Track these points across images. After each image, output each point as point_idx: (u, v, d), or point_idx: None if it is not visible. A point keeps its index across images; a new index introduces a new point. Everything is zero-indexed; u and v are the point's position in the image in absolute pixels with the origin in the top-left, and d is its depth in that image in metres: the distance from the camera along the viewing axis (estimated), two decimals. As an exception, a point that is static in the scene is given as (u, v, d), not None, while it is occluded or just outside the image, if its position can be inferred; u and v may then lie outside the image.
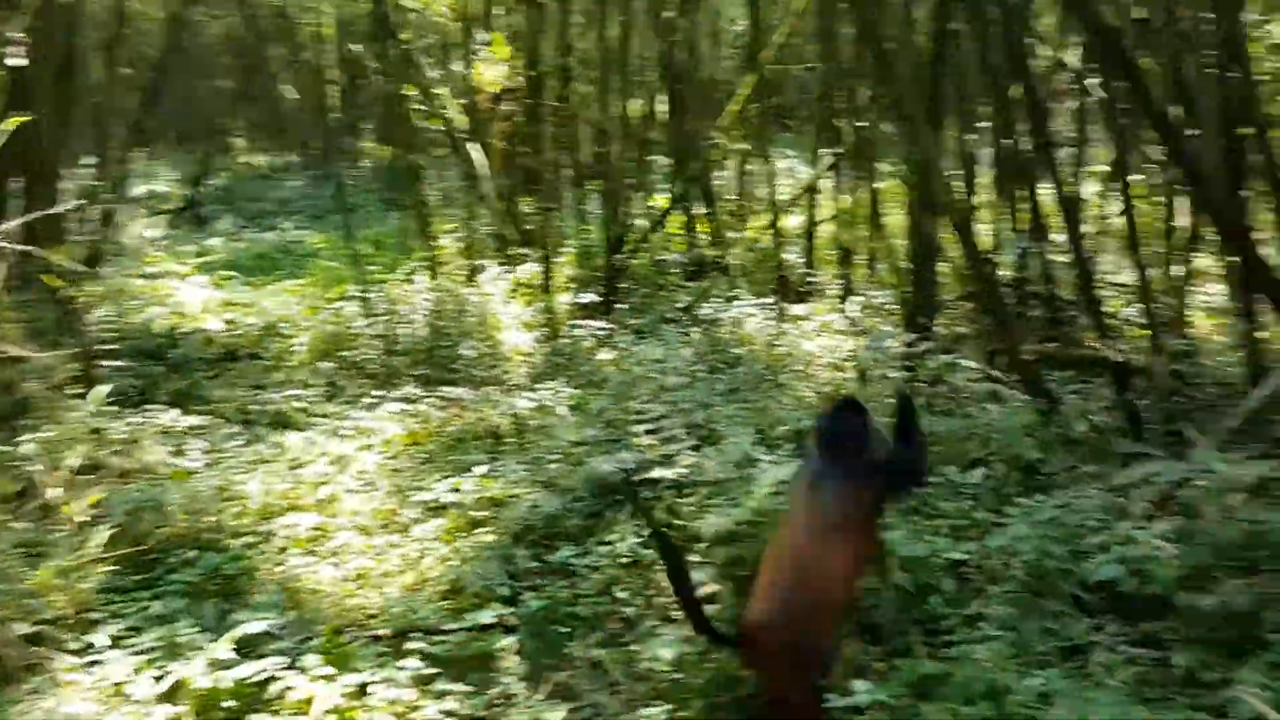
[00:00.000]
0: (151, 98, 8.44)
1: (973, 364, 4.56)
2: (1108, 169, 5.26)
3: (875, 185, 6.77)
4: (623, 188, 7.62)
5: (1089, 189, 5.87)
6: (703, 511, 3.61)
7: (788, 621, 2.63)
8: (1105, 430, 3.94)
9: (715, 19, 9.72)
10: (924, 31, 5.28)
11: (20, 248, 4.24)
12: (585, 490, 3.94)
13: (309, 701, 2.71)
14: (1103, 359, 4.00)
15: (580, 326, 6.31)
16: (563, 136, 8.07)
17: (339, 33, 13.98)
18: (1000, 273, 5.55)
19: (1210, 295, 5.23)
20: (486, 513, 3.92)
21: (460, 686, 2.87)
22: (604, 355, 5.94)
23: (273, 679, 2.77)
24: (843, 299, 6.72)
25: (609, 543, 3.55)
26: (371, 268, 7.07)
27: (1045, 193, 5.10)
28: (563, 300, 6.88)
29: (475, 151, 7.60)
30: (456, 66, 8.14)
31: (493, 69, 7.79)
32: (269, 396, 5.64)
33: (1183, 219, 4.79)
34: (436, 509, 4.01)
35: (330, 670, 2.80)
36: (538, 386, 5.37)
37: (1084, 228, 5.34)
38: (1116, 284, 5.36)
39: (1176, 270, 4.80)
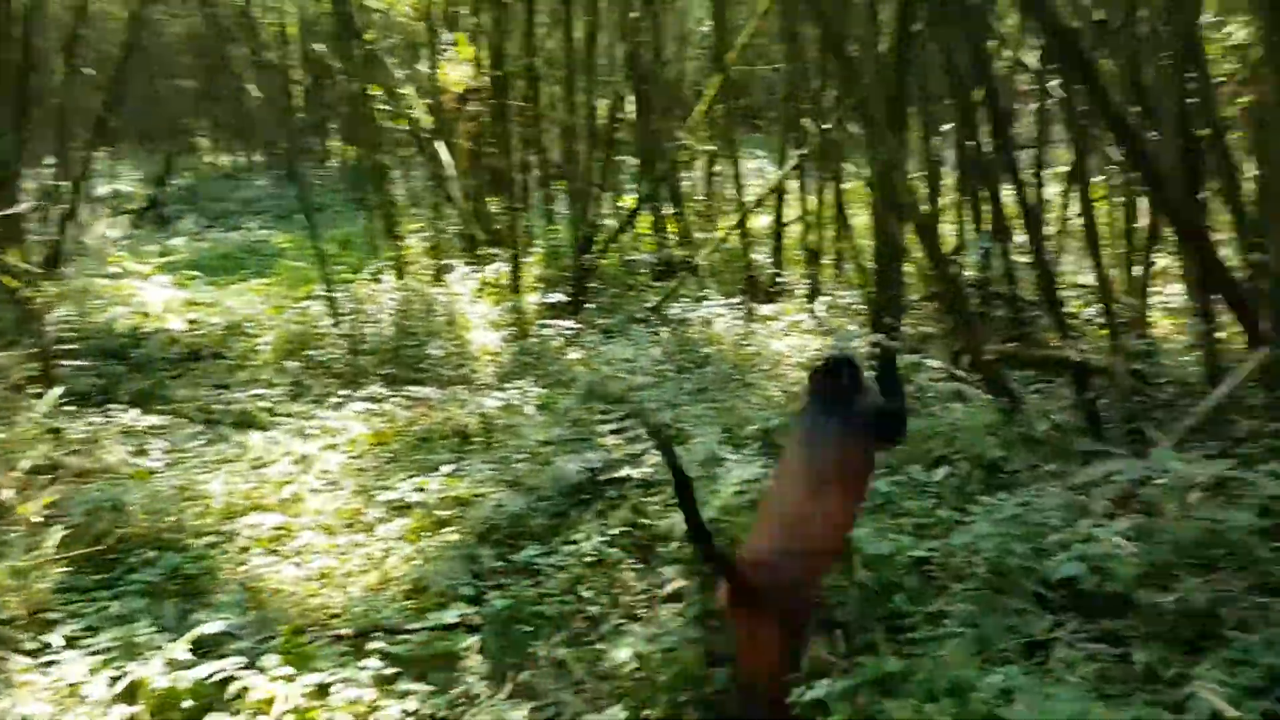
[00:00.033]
0: (113, 97, 8.33)
1: (937, 363, 4.60)
2: (1069, 170, 5.31)
3: (841, 186, 6.82)
4: (590, 188, 7.61)
5: (1052, 190, 5.94)
6: (668, 511, 3.61)
7: (778, 564, 2.66)
8: (1066, 429, 3.97)
9: (682, 20, 9.74)
10: (887, 33, 5.32)
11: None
12: (551, 489, 3.93)
13: (269, 702, 2.68)
14: (1063, 359, 4.04)
15: (549, 326, 6.30)
16: (530, 136, 8.05)
17: (303, 32, 13.87)
18: (964, 273, 5.60)
19: (1170, 295, 5.30)
20: (452, 512, 3.90)
21: (422, 686, 2.84)
22: (572, 355, 5.93)
23: (231, 679, 2.73)
24: (810, 299, 6.76)
25: (574, 542, 3.54)
26: (338, 267, 7.03)
27: (1008, 194, 5.15)
28: (531, 300, 6.86)
29: (441, 151, 7.56)
30: (422, 66, 8.10)
31: (458, 69, 7.76)
32: (233, 396, 5.60)
33: (1143, 219, 4.86)
34: (401, 508, 3.98)
35: (290, 670, 2.77)
36: (505, 386, 5.35)
37: (1046, 229, 5.41)
38: (1079, 284, 5.43)
39: (1137, 270, 4.86)
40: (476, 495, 3.98)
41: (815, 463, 2.84)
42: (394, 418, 4.93)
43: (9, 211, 5.02)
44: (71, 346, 5.80)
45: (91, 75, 8.98)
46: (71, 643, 3.02)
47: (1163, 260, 5.24)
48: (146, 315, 7.13)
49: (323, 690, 2.73)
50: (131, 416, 5.10)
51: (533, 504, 3.85)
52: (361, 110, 7.54)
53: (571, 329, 6.29)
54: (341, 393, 5.35)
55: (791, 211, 7.53)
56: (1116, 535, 3.04)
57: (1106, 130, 4.25)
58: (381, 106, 7.53)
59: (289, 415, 5.18)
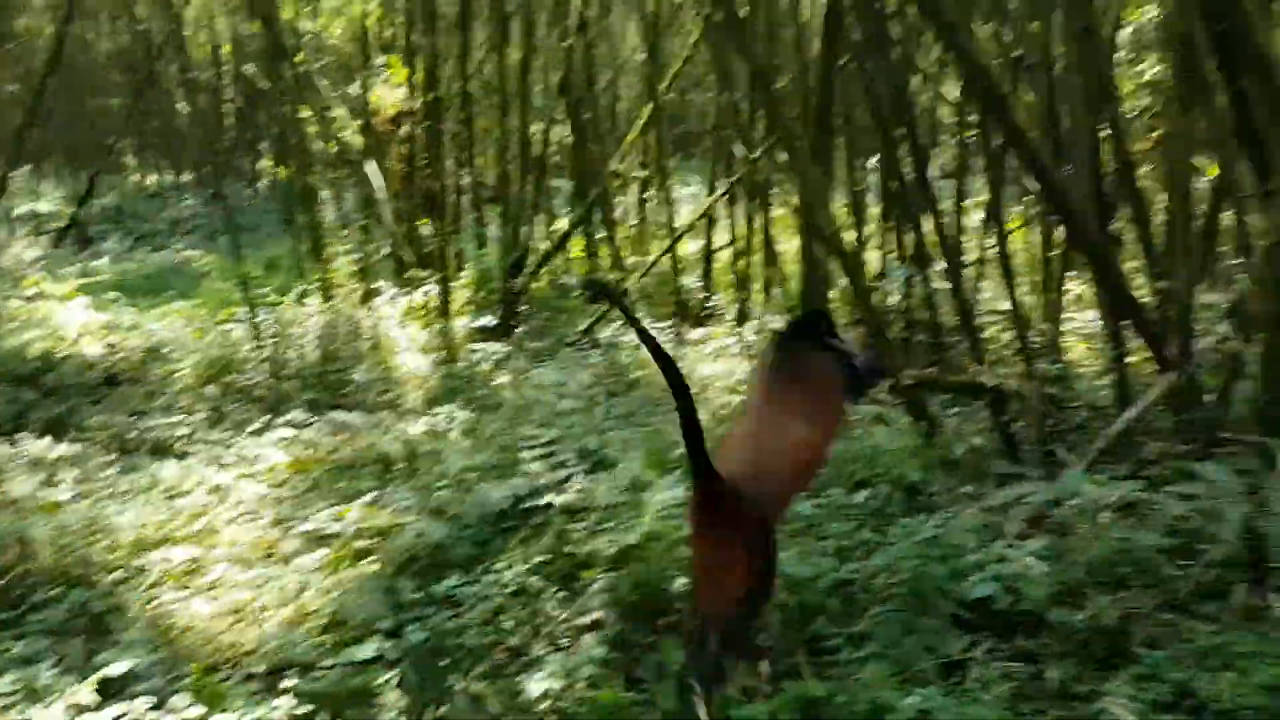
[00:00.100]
0: (35, 115, 8.12)
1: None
2: (987, 201, 5.46)
3: (769, 214, 6.91)
4: (523, 211, 7.61)
5: (974, 218, 6.09)
6: (592, 537, 3.59)
7: (745, 489, 2.58)
8: (984, 452, 4.06)
9: (616, 49, 9.83)
10: (813, 67, 5.42)
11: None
12: (474, 517, 3.88)
13: (175, 743, 2.60)
14: (980, 384, 4.13)
15: (478, 350, 6.26)
16: (463, 159, 8.03)
17: (235, 53, 13.70)
18: (886, 300, 5.70)
19: (1085, 321, 5.45)
20: (371, 542, 3.83)
21: (337, 723, 2.78)
22: (502, 379, 5.89)
23: (136, 721, 2.65)
24: (739, 323, 6.82)
25: (496, 571, 3.50)
26: (263, 290, 6.90)
27: (930, 223, 5.26)
28: (461, 323, 6.81)
29: (373, 173, 7.50)
30: (354, 89, 8.04)
31: (391, 92, 7.71)
32: (149, 423, 5.45)
33: (1058, 249, 5.00)
34: (320, 539, 3.90)
35: (201, 710, 2.69)
36: (433, 411, 5.30)
37: (965, 257, 5.54)
38: (999, 311, 5.55)
39: (1052, 298, 4.99)
40: (397, 525, 3.91)
41: (783, 394, 2.82)
42: (315, 445, 4.85)
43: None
44: (-22, 372, 5.61)
45: (12, 91, 8.77)
46: (-32, 687, 2.89)
47: (1079, 287, 5.39)
48: (62, 339, 6.91)
49: (233, 729, 2.66)
50: (42, 446, 4.94)
51: (455, 533, 3.80)
52: (292, 131, 7.45)
53: (501, 352, 6.25)
54: (262, 419, 5.24)
55: (722, 237, 7.60)
56: (1029, 555, 3.10)
57: (1021, 164, 4.37)
58: (312, 128, 7.45)
59: (207, 443, 5.06)
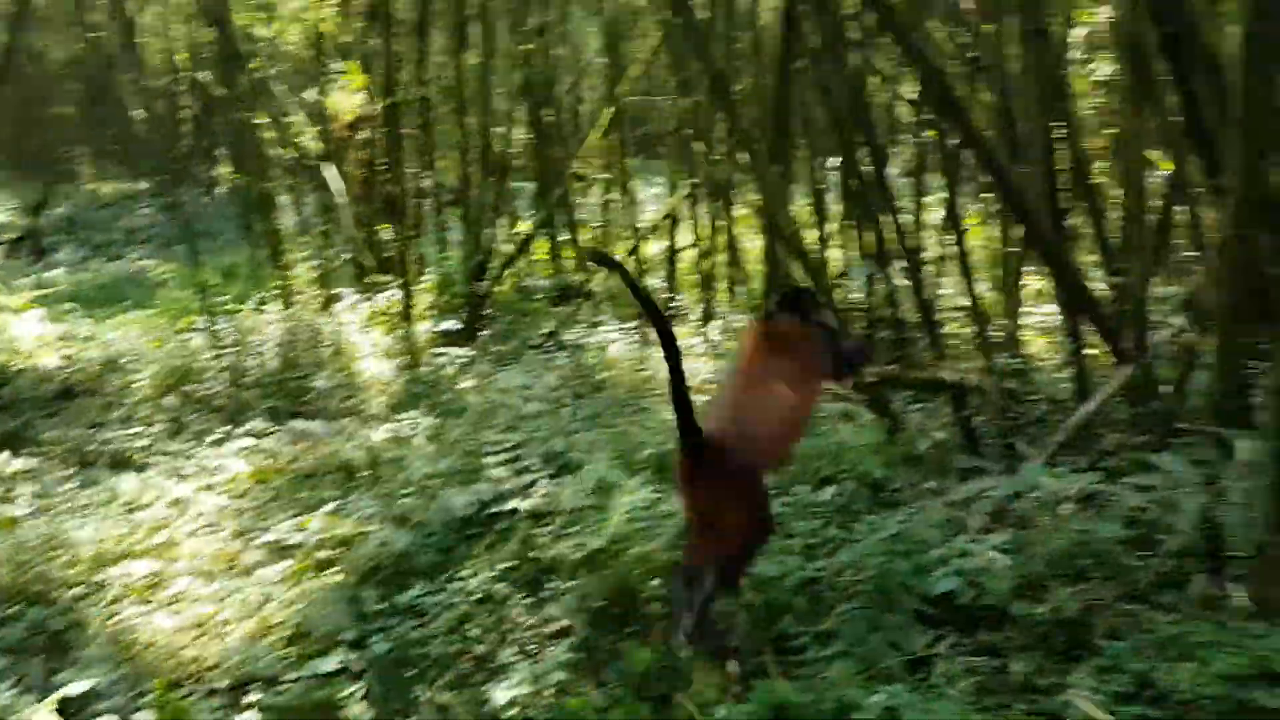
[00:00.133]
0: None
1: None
2: (945, 198, 5.51)
3: (732, 214, 6.93)
4: (485, 214, 7.57)
5: (934, 216, 6.14)
6: (557, 542, 3.58)
7: (732, 445, 2.75)
8: (946, 447, 4.09)
9: (577, 52, 9.81)
10: (770, 69, 5.45)
11: None
12: (438, 524, 3.85)
13: (137, 761, 2.56)
14: (940, 379, 4.18)
15: (442, 354, 6.22)
16: (424, 163, 7.97)
17: (191, 59, 13.52)
18: (849, 297, 5.74)
19: (1044, 316, 5.51)
20: (334, 552, 3.79)
21: (302, 737, 2.76)
22: (466, 383, 5.86)
23: (97, 741, 2.60)
24: (704, 323, 6.83)
25: (461, 579, 3.47)
26: (221, 298, 6.82)
27: (889, 221, 5.30)
28: (424, 328, 6.77)
29: (332, 178, 7.43)
30: (311, 94, 7.96)
31: (348, 97, 7.64)
32: (107, 435, 5.36)
33: (1015, 245, 5.05)
34: (282, 550, 3.86)
35: (162, 727, 2.66)
36: (397, 417, 5.25)
37: (925, 254, 5.59)
38: (959, 307, 5.60)
39: (1011, 293, 5.04)
40: (360, 533, 3.88)
41: (768, 360, 3.00)
42: (277, 454, 4.79)
43: None
44: (-69, 388, 5.49)
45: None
46: (-79, 711, 2.84)
47: (1037, 282, 5.46)
48: (17, 352, 6.78)
49: (196, 746, 2.62)
50: (-2, 461, 4.85)
51: (419, 541, 3.77)
52: (249, 137, 7.37)
53: (465, 356, 6.21)
54: (222, 429, 5.18)
55: (686, 238, 7.62)
56: (992, 550, 3.14)
57: (978, 163, 4.42)
58: (269, 134, 7.37)
59: (166, 454, 4.99)
